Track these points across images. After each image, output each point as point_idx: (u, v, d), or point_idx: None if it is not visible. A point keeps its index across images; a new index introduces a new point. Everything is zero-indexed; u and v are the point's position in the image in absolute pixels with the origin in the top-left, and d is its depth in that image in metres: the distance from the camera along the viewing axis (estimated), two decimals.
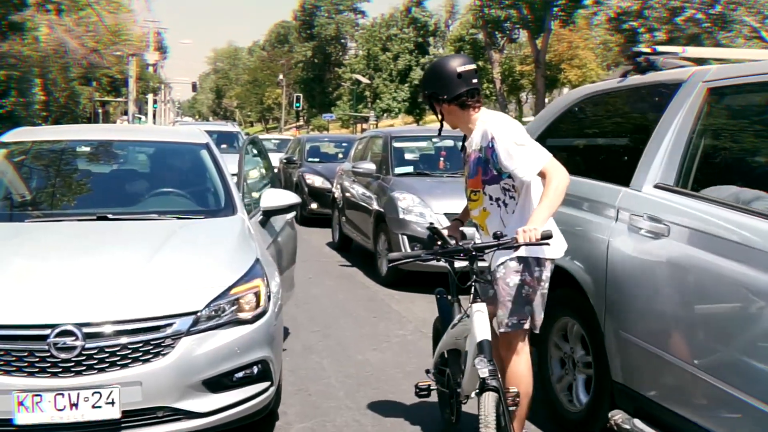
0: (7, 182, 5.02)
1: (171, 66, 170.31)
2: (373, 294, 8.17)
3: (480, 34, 42.89)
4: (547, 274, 3.70)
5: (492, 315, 3.62)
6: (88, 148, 5.47)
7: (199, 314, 3.63)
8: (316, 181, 14.12)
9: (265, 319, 3.89)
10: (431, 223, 4.18)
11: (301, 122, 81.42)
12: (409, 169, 9.72)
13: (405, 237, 8.21)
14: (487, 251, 3.55)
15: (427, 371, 4.30)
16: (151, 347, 3.49)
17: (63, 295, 3.53)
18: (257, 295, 3.90)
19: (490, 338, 3.36)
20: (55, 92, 33.00)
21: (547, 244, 3.43)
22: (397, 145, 10.00)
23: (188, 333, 3.58)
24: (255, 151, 6.43)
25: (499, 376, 3.37)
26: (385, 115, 55.89)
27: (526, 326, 3.67)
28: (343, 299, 7.74)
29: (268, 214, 5.24)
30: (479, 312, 3.42)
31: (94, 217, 4.46)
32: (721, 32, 27.21)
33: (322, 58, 79.69)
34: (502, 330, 3.68)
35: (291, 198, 5.31)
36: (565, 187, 3.51)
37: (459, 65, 3.73)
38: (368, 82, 53.01)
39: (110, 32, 33.51)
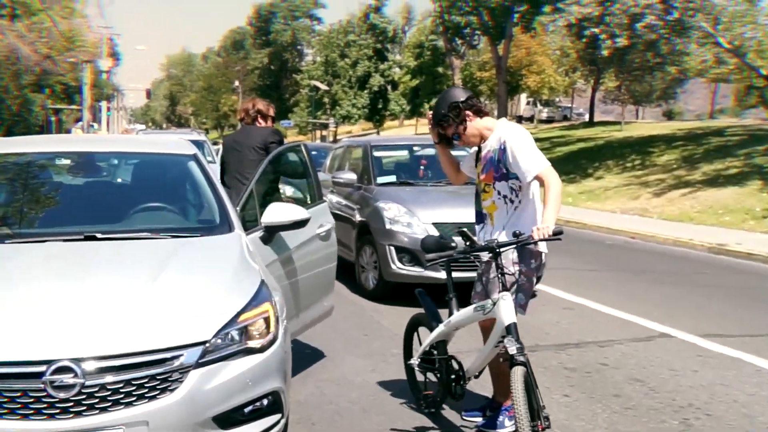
0: None
1: (124, 73, 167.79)
2: (360, 310, 7.88)
3: (440, 41, 42.89)
4: (537, 264, 4.35)
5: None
6: (67, 161, 5.07)
7: (207, 344, 3.31)
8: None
9: (275, 346, 3.59)
10: (460, 227, 4.40)
11: None
12: (392, 178, 9.41)
13: (392, 248, 7.95)
14: (508, 248, 4.14)
15: (409, 364, 4.91)
16: (157, 382, 3.17)
17: (58, 327, 3.17)
18: (267, 320, 3.60)
19: (515, 322, 3.93)
20: (7, 100, 32.09)
21: (559, 239, 3.97)
22: (377, 154, 9.71)
23: (197, 365, 3.26)
24: (295, 160, 5.82)
25: (525, 353, 3.88)
26: (344, 121, 55.51)
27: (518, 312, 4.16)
28: (333, 317, 7.39)
29: (271, 230, 4.79)
30: (506, 300, 3.99)
31: (81, 237, 4.09)
32: (677, 39, 27.51)
33: (278, 65, 79.26)
34: (487, 316, 4.16)
35: (297, 213, 4.72)
36: (561, 190, 4.17)
37: (463, 92, 4.52)
38: (327, 88, 52.65)
39: (64, 38, 32.66)
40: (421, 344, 4.93)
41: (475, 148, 4.58)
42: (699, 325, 7.24)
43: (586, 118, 54.43)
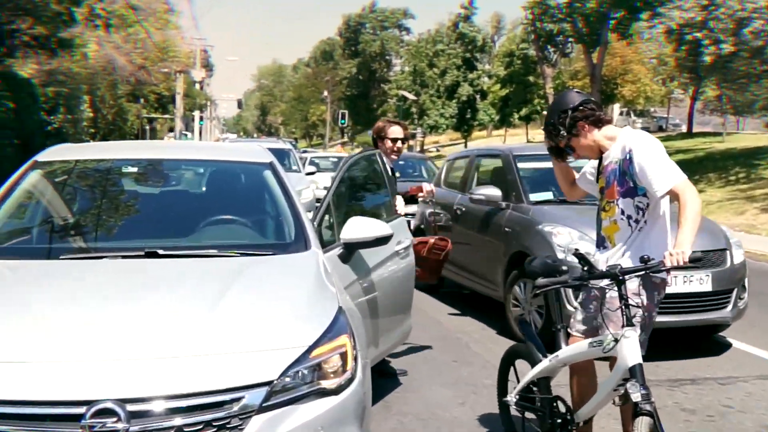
0: (38, 209, 4.31)
1: (216, 83, 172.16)
2: (446, 332, 7.30)
3: (531, 49, 41.92)
4: (660, 297, 3.81)
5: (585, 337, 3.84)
6: (133, 169, 4.71)
7: (273, 384, 2.82)
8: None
9: (353, 387, 3.07)
10: (577, 249, 3.91)
11: (346, 139, 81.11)
12: (548, 195, 7.41)
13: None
14: (634, 275, 3.55)
15: (504, 401, 4.35)
16: (214, 429, 2.69)
17: (101, 362, 2.73)
18: (344, 356, 3.08)
19: (642, 362, 3.36)
20: (103, 109, 32.99)
21: (697, 267, 3.62)
22: (523, 165, 7.80)
23: (261, 410, 2.77)
24: (371, 170, 5.37)
25: (652, 400, 3.31)
26: (431, 131, 54.99)
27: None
28: (415, 338, 6.84)
29: (350, 248, 4.28)
30: (631, 337, 3.40)
31: (142, 253, 3.68)
32: None
33: (366, 75, 79.53)
34: (606, 354, 3.59)
35: (379, 228, 4.21)
36: (700, 208, 3.54)
37: (578, 96, 3.93)
38: (414, 98, 52.28)
39: (158, 49, 33.37)
40: (518, 379, 4.35)
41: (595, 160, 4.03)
42: None
43: (683, 128, 52.31)
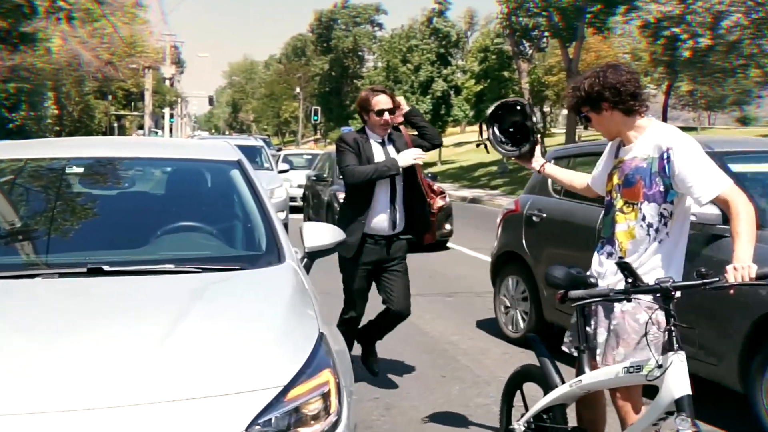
0: None
1: (187, 80, 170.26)
2: (433, 343, 6.75)
3: (506, 44, 41.47)
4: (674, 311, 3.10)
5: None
6: (79, 169, 4.09)
7: None
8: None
9: None
10: (621, 257, 3.27)
11: (319, 136, 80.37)
12: None
13: None
14: (688, 291, 3.01)
15: (510, 430, 3.77)
16: None
17: (22, 418, 2.16)
18: (326, 396, 2.54)
19: (690, 394, 2.84)
20: (68, 106, 32.05)
21: (766, 285, 2.99)
22: (738, 168, 4.85)
23: None
24: None
25: None
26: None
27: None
28: (401, 351, 6.29)
29: (314, 256, 3.71)
30: (680, 362, 2.87)
31: (84, 270, 3.10)
32: (764, 39, 25.73)
33: (339, 71, 78.79)
34: (650, 382, 3.06)
35: (336, 232, 3.81)
36: (754, 217, 3.09)
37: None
38: None
39: (125, 44, 32.45)
40: (526, 404, 3.83)
41: (614, 147, 3.53)
42: None
43: None
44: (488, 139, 4.02)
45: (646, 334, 3.10)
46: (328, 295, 4.69)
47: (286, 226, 12.58)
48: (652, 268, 3.28)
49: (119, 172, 4.31)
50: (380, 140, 5.10)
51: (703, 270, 2.92)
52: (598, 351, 3.40)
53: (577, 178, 3.95)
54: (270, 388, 2.40)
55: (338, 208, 12.70)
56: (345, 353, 3.06)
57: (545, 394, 3.57)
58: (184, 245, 3.59)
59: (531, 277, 6.47)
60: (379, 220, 5.02)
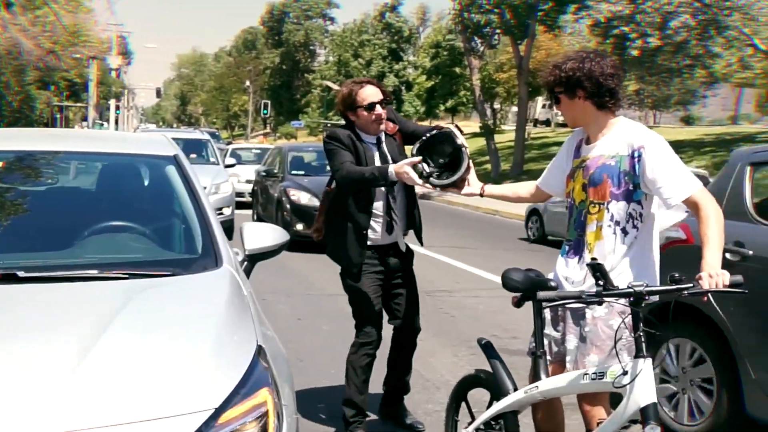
0: None
1: (135, 71, 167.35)
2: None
3: (458, 40, 41.53)
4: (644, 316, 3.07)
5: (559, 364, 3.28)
6: None
7: None
8: (302, 198, 12.29)
9: None
10: (594, 258, 3.04)
11: (269, 130, 79.62)
12: None
13: None
14: (661, 296, 3.00)
15: None
16: None
17: None
18: (263, 419, 2.29)
19: (657, 402, 2.79)
20: (8, 96, 30.97)
21: (744, 292, 2.81)
22: None
23: None
24: None
25: None
26: None
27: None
28: (343, 352, 6.02)
29: (254, 259, 3.47)
30: (648, 369, 2.80)
31: None
32: (710, 40, 26.15)
33: (290, 65, 78.24)
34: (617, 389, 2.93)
35: (280, 235, 3.56)
36: (723, 222, 2.99)
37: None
38: (339, 88, 51.42)
39: (68, 33, 31.47)
40: (471, 412, 3.67)
41: (572, 146, 3.39)
42: None
43: None
44: (421, 175, 3.80)
45: (618, 340, 2.96)
46: (265, 302, 4.42)
47: (232, 221, 12.20)
48: (620, 273, 3.13)
49: (47, 166, 3.98)
50: (374, 140, 4.37)
51: (676, 275, 2.81)
52: (568, 358, 3.25)
53: (522, 188, 3.81)
54: (199, 412, 2.15)
55: (289, 205, 12.30)
56: (285, 364, 2.82)
57: (495, 400, 3.41)
58: (111, 248, 3.30)
59: (721, 346, 4.39)
60: (380, 229, 4.36)
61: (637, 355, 2.81)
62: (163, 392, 2.17)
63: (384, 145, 4.38)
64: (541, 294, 2.97)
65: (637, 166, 3.09)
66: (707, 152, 25.65)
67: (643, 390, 2.76)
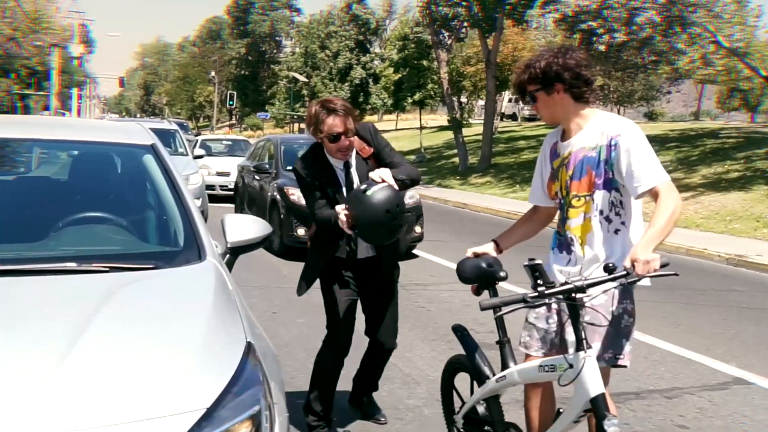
0: None
1: (97, 60, 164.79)
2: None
3: (425, 33, 41.42)
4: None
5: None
6: None
7: None
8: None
9: None
10: (532, 259, 3.02)
11: (234, 121, 78.90)
12: None
13: None
14: (601, 288, 2.94)
15: (452, 424, 3.78)
16: None
17: None
18: (256, 420, 2.20)
19: (605, 392, 2.85)
20: None
21: (675, 274, 2.88)
22: None
23: None
24: None
25: None
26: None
27: (622, 362, 3.18)
28: (313, 345, 5.93)
29: (237, 252, 3.38)
30: (592, 362, 2.86)
31: None
32: (676, 36, 26.43)
33: (256, 56, 77.57)
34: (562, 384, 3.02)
35: (263, 227, 3.47)
36: (679, 215, 2.99)
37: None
38: (306, 80, 51.04)
39: (29, 19, 30.81)
40: (460, 396, 3.82)
41: (548, 151, 3.41)
42: None
43: None
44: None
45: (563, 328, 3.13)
46: (247, 296, 4.33)
47: (203, 213, 11.98)
48: (610, 260, 3.08)
49: (17, 154, 3.83)
50: (341, 165, 4.16)
51: (610, 264, 2.85)
52: (571, 350, 3.21)
53: (527, 219, 3.64)
54: (190, 412, 2.05)
55: (287, 206, 10.86)
56: (274, 361, 2.72)
57: (478, 385, 3.51)
58: (89, 239, 3.17)
59: None
60: (352, 243, 4.22)
61: (578, 348, 2.86)
62: (152, 392, 2.07)
63: (353, 170, 4.14)
64: (484, 303, 2.92)
65: (612, 156, 3.11)
66: (672, 147, 25.92)
67: (591, 382, 2.82)
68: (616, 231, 3.18)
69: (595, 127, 3.19)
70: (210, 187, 16.58)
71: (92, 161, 3.84)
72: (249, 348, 2.40)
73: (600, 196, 3.16)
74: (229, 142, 22.78)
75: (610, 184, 3.15)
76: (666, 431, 4.58)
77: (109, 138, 3.92)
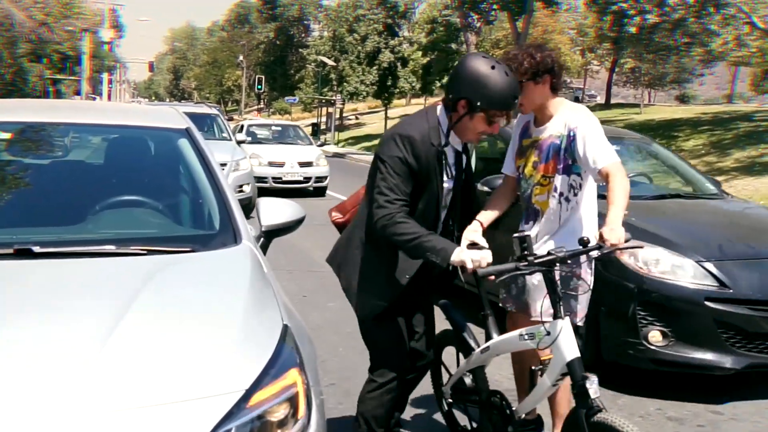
0: None
1: (127, 45, 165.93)
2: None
3: (454, 16, 41.16)
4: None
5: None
6: (5, 135, 3.66)
7: None
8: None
9: None
10: (521, 230, 3.43)
11: (262, 105, 79.14)
12: None
13: None
14: (577, 258, 3.25)
15: (440, 396, 4.07)
16: None
17: None
18: (294, 400, 2.22)
19: (579, 356, 3.08)
20: (0, 68, 30.64)
21: (641, 246, 3.89)
22: None
23: None
24: None
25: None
26: (351, 98, 53.80)
27: (572, 321, 3.37)
28: (352, 332, 5.96)
29: (271, 235, 3.34)
30: (568, 328, 3.12)
31: (10, 251, 2.71)
32: (708, 17, 26.00)
33: (284, 40, 77.53)
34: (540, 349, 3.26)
35: (297, 210, 3.41)
36: (629, 191, 3.35)
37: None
38: (334, 64, 50.95)
39: (61, 5, 31.08)
40: (446, 368, 4.10)
41: (519, 128, 3.80)
42: None
43: (598, 99, 52.79)
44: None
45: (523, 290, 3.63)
46: (278, 279, 4.33)
47: (251, 200, 11.89)
48: (571, 230, 3.56)
49: (53, 138, 3.88)
50: (460, 147, 3.37)
51: (585, 238, 3.13)
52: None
53: (500, 193, 3.85)
54: (229, 393, 2.08)
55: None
56: (309, 344, 2.74)
57: (464, 357, 3.72)
58: (126, 223, 3.21)
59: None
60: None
61: (556, 316, 3.11)
62: (192, 374, 2.10)
63: (463, 156, 3.42)
64: (481, 271, 3.08)
65: (572, 144, 3.51)
66: (704, 131, 25.57)
67: (567, 347, 3.06)
68: (572, 208, 3.61)
69: (561, 118, 3.59)
70: (261, 179, 15.32)
71: (127, 145, 3.87)
72: (285, 331, 2.42)
73: (559, 179, 3.58)
74: (279, 128, 20.03)
75: (570, 169, 3.57)
76: (700, 416, 4.55)
77: (143, 122, 3.96)
